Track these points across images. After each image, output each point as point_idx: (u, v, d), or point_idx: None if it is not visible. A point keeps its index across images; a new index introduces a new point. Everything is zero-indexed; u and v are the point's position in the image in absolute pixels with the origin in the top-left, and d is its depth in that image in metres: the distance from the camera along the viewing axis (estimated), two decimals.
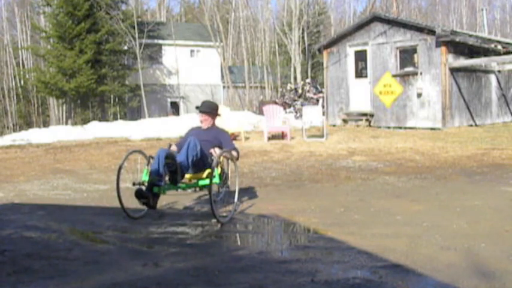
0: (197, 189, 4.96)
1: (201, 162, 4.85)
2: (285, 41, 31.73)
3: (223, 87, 30.88)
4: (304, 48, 33.23)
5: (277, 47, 33.43)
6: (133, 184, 4.68)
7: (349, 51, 15.83)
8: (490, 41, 16.01)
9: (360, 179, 7.06)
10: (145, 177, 4.72)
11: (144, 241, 4.12)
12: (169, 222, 4.81)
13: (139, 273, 3.25)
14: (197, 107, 5.34)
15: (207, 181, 4.73)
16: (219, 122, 12.34)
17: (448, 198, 5.61)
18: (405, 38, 14.56)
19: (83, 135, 14.69)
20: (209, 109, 5.31)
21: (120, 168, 4.55)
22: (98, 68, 26.42)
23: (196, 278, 3.15)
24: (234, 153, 5.11)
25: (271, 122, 12.62)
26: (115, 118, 28.20)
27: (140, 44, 26.76)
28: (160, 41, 29.57)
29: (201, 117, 5.29)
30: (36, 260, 3.49)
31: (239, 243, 4.23)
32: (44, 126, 29.71)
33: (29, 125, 33.40)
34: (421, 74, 14.17)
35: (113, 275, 3.19)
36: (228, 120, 12.85)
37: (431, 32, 13.95)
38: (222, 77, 30.55)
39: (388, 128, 14.63)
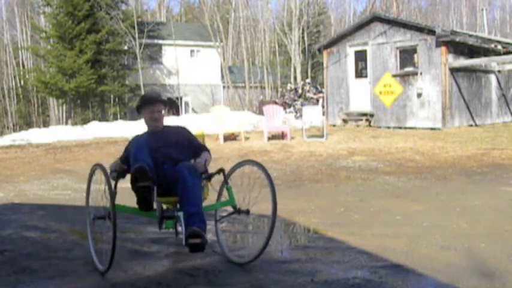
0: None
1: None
2: (285, 41, 31.71)
3: (223, 87, 30.87)
4: (304, 48, 33.22)
5: (277, 47, 33.39)
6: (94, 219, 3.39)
7: (349, 51, 15.83)
8: (490, 41, 16.01)
9: (360, 179, 7.06)
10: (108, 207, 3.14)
11: (144, 241, 4.12)
12: None
13: (139, 273, 3.25)
14: (138, 106, 3.75)
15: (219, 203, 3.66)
16: (220, 123, 12.48)
17: (448, 198, 5.61)
18: (405, 38, 14.56)
19: (83, 135, 14.71)
20: (161, 97, 3.81)
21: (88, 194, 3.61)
22: (98, 68, 26.42)
23: (196, 278, 3.14)
24: (209, 157, 3.72)
25: (271, 122, 12.62)
26: (115, 118, 28.17)
27: (140, 44, 26.76)
28: (160, 41, 29.55)
29: (152, 114, 3.67)
30: (36, 260, 3.49)
31: (239, 243, 4.22)
32: (44, 126, 29.68)
33: (29, 125, 33.36)
34: (421, 74, 14.17)
35: (113, 275, 3.19)
36: (228, 120, 12.88)
37: (431, 32, 13.95)
38: (222, 77, 30.53)
39: (388, 128, 14.63)
